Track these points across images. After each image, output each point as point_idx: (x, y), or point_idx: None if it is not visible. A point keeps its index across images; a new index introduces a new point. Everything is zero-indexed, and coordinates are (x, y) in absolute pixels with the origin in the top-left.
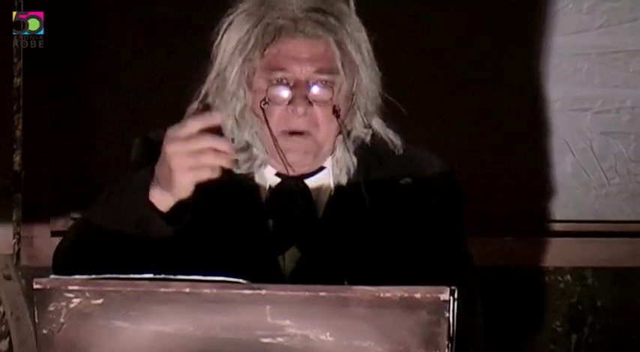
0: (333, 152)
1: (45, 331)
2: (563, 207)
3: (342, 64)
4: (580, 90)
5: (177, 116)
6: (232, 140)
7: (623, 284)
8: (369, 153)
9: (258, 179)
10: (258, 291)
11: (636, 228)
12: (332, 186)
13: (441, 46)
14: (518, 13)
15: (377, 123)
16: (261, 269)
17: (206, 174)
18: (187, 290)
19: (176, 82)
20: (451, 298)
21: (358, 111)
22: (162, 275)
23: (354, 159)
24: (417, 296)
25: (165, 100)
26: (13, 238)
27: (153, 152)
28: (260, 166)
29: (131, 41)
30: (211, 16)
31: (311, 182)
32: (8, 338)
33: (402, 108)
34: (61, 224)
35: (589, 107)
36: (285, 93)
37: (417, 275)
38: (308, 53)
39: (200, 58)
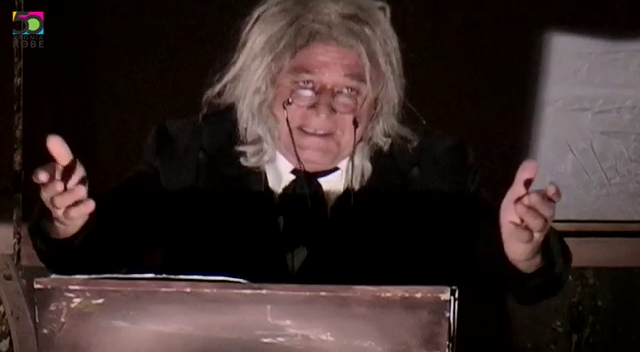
0: (351, 156)
1: (45, 331)
2: (564, 207)
3: (371, 74)
4: (580, 90)
5: (177, 115)
6: (245, 130)
7: (623, 284)
8: (385, 159)
9: (271, 175)
10: (258, 291)
11: (637, 228)
12: (342, 188)
13: (442, 46)
14: (519, 12)
15: (394, 126)
16: (268, 267)
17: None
18: (188, 289)
19: (177, 82)
20: (452, 298)
21: (381, 120)
22: (163, 275)
23: (370, 167)
24: (418, 296)
25: (166, 100)
26: (14, 238)
27: (164, 140)
28: (268, 161)
29: (131, 41)
30: (212, 15)
31: (324, 181)
32: (8, 338)
33: (421, 117)
34: None
35: (589, 107)
36: (309, 97)
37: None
38: (338, 61)
39: (202, 58)
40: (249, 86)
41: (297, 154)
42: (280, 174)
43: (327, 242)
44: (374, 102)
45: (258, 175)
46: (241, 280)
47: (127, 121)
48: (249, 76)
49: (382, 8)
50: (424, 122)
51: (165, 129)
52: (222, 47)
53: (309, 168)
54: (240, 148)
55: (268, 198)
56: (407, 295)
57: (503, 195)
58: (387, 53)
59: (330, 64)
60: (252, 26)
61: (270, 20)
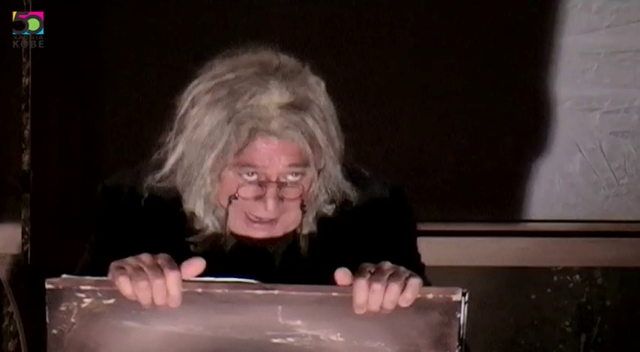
0: (298, 231)
1: (55, 331)
2: (573, 206)
3: (315, 158)
4: (589, 90)
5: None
6: (192, 220)
7: (632, 284)
8: (329, 223)
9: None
10: (270, 292)
11: None
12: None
13: (448, 46)
14: (527, 12)
15: (338, 189)
16: None
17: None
18: (199, 290)
19: (182, 79)
20: (462, 299)
21: (324, 190)
22: None
23: (315, 231)
24: (429, 297)
25: (172, 97)
26: (22, 238)
27: (115, 199)
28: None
29: (138, 41)
30: (213, 13)
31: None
32: (17, 339)
33: (364, 171)
34: (70, 224)
35: (598, 107)
36: (255, 192)
37: None
38: (281, 153)
39: (206, 55)
40: (196, 178)
41: (245, 238)
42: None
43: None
44: (316, 178)
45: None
46: (253, 281)
47: (135, 121)
48: (192, 169)
49: (317, 82)
50: (366, 173)
51: (106, 186)
52: (224, 43)
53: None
54: (191, 239)
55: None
56: (418, 296)
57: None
58: (326, 132)
59: (273, 156)
60: (187, 110)
61: (206, 112)
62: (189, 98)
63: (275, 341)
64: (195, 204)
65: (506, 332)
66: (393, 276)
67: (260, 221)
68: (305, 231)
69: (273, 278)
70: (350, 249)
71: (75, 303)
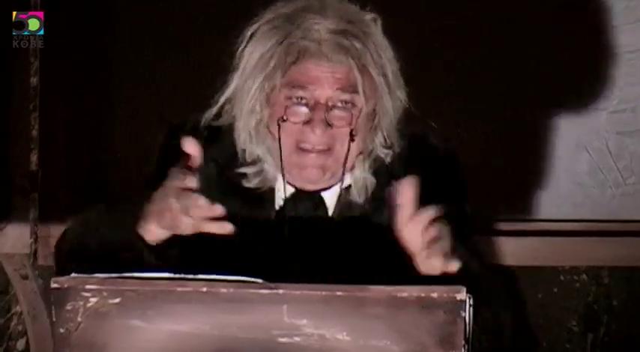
0: (352, 170)
1: (62, 330)
2: (579, 206)
3: (364, 87)
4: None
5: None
6: (244, 151)
7: (639, 283)
8: (386, 171)
9: (272, 193)
10: (275, 291)
11: None
12: (341, 201)
13: (452, 46)
14: (533, 11)
15: (396, 137)
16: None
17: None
18: (204, 289)
19: (191, 76)
20: (467, 298)
21: (380, 132)
22: (180, 275)
23: (373, 180)
24: (434, 295)
25: (181, 99)
26: (30, 237)
27: (177, 138)
28: (270, 180)
29: (145, 39)
30: (213, 10)
31: (326, 196)
32: (25, 338)
33: (432, 123)
34: None
35: (605, 106)
36: (304, 114)
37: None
38: (330, 76)
39: (214, 54)
40: (244, 106)
41: (296, 173)
42: (282, 192)
43: (331, 255)
44: (372, 114)
45: (259, 192)
46: (258, 280)
47: (143, 121)
48: (243, 96)
49: (374, 19)
50: (434, 126)
51: (174, 126)
52: (227, 41)
53: (308, 188)
54: (242, 170)
55: (269, 212)
56: (423, 295)
57: (515, 198)
58: (379, 65)
59: (321, 78)
60: (245, 46)
61: (260, 39)
62: (248, 34)
63: (281, 340)
64: (247, 134)
65: (513, 331)
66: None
67: (312, 150)
68: (357, 172)
69: (325, 224)
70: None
71: (81, 302)
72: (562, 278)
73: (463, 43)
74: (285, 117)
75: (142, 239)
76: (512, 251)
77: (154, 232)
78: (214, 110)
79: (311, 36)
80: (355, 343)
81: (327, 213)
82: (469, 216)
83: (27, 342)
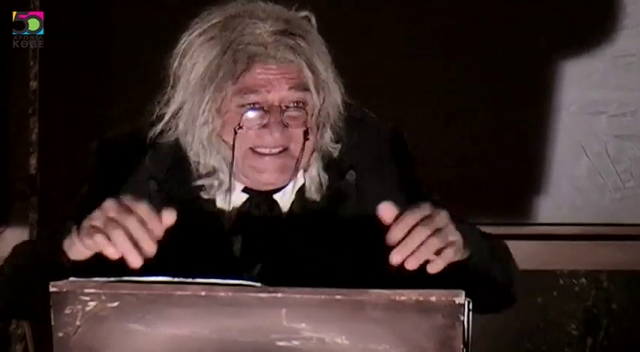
0: (306, 169)
1: (61, 334)
2: (579, 210)
3: (315, 84)
4: (595, 94)
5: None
6: (197, 163)
7: (638, 287)
8: (336, 166)
9: (220, 203)
10: (274, 295)
11: None
12: (298, 201)
13: (453, 48)
14: (533, 14)
15: (341, 130)
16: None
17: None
18: (203, 293)
19: None
20: (466, 301)
21: (328, 127)
22: (179, 279)
23: (327, 176)
24: (433, 299)
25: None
26: None
27: (111, 154)
28: (226, 191)
29: (144, 41)
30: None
31: (278, 197)
32: (24, 342)
33: (365, 108)
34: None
35: (604, 110)
36: (260, 118)
37: None
38: (281, 77)
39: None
40: (196, 120)
41: (253, 177)
42: (232, 197)
43: (286, 258)
44: (319, 111)
45: (209, 203)
46: (257, 284)
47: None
48: (192, 110)
49: (306, 17)
50: (366, 111)
51: (105, 141)
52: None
53: (265, 188)
54: (198, 182)
55: (223, 218)
56: (421, 298)
57: (514, 202)
58: (323, 61)
59: (273, 80)
60: (182, 60)
61: (200, 51)
62: (182, 47)
63: (280, 344)
64: (200, 146)
65: (512, 335)
66: (437, 233)
67: (269, 153)
68: (313, 170)
69: (281, 225)
70: (362, 191)
71: (79, 306)
72: (561, 281)
73: (463, 42)
74: (241, 124)
75: (65, 255)
76: (512, 255)
77: (78, 249)
78: (159, 128)
79: (255, 40)
80: (354, 347)
81: (281, 213)
82: (422, 180)
83: (25, 346)
